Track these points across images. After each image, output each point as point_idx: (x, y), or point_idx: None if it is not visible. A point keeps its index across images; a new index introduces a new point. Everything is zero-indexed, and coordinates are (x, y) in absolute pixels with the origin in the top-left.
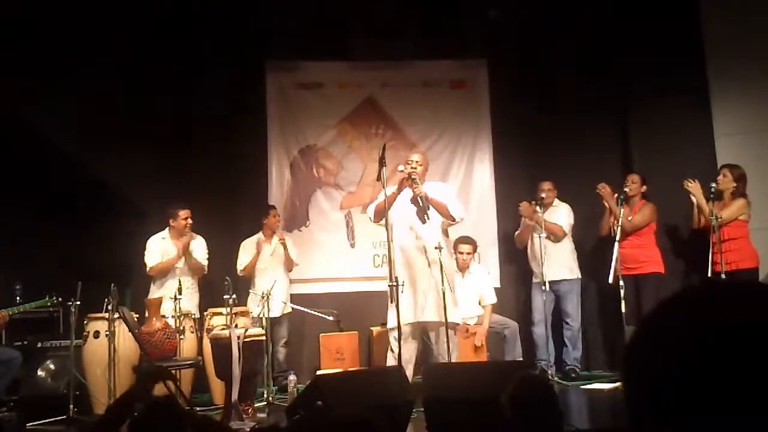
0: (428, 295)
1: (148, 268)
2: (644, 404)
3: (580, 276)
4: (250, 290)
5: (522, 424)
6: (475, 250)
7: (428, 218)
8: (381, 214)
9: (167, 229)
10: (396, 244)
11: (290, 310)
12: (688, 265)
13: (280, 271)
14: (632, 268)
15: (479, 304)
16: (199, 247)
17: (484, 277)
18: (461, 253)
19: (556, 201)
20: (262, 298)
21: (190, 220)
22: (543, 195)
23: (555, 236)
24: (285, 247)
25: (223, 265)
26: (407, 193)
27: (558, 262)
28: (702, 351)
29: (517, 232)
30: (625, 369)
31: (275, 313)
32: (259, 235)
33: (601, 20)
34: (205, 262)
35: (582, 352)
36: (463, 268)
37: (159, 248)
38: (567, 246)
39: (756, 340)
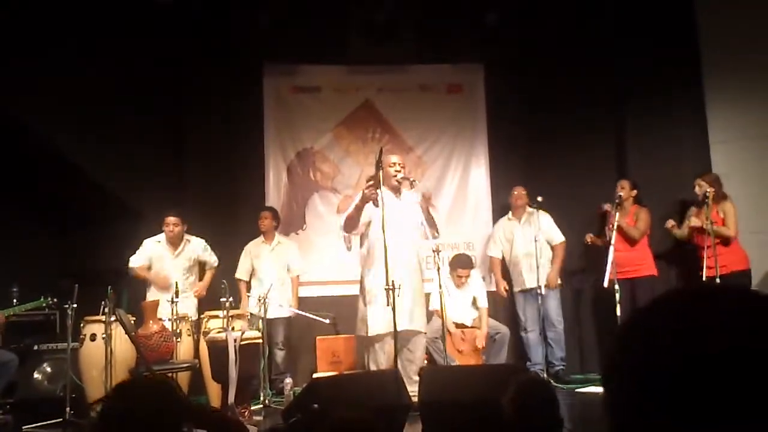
0: (415, 303)
1: (129, 266)
2: (626, 407)
3: (560, 281)
4: (248, 293)
5: (522, 426)
6: (471, 268)
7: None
8: (352, 226)
9: (163, 233)
10: (389, 249)
11: (287, 314)
12: (680, 269)
13: (282, 273)
14: (628, 272)
15: (472, 305)
16: (203, 250)
17: (479, 283)
18: (459, 276)
19: (531, 209)
20: (259, 300)
21: (176, 229)
22: (521, 201)
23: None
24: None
25: (220, 267)
26: (409, 197)
27: (540, 269)
28: (682, 354)
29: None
30: (607, 372)
31: (272, 314)
32: (260, 238)
33: (598, 27)
34: (214, 259)
35: (576, 355)
36: (459, 285)
37: (150, 251)
38: (546, 253)
39: (736, 343)
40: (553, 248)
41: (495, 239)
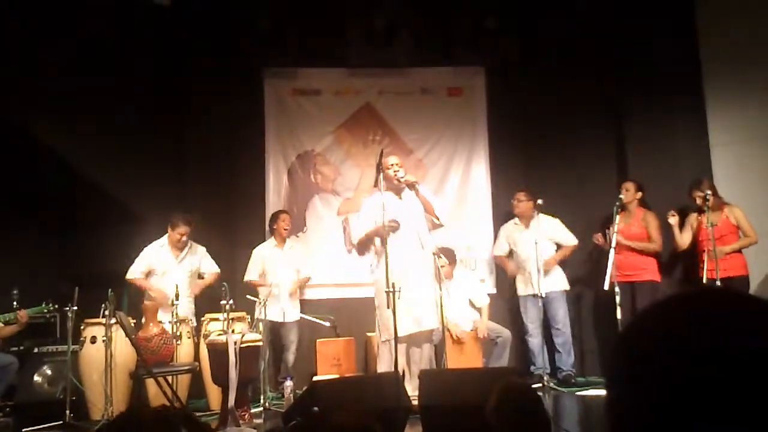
0: (426, 303)
1: (126, 278)
2: (626, 412)
3: (567, 287)
4: (260, 295)
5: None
6: (453, 262)
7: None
8: (364, 251)
9: (166, 236)
10: (397, 250)
11: (299, 317)
12: (683, 274)
13: (294, 277)
14: (629, 275)
15: (473, 306)
16: (204, 259)
17: (472, 282)
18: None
19: (542, 215)
20: (260, 303)
21: (184, 238)
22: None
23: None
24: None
25: (220, 270)
26: (410, 197)
27: (546, 274)
28: (680, 358)
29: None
30: (607, 376)
31: (290, 318)
32: (271, 241)
33: (598, 29)
34: (216, 268)
35: (576, 358)
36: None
37: (151, 258)
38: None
39: (733, 346)
40: (563, 248)
41: (499, 242)
